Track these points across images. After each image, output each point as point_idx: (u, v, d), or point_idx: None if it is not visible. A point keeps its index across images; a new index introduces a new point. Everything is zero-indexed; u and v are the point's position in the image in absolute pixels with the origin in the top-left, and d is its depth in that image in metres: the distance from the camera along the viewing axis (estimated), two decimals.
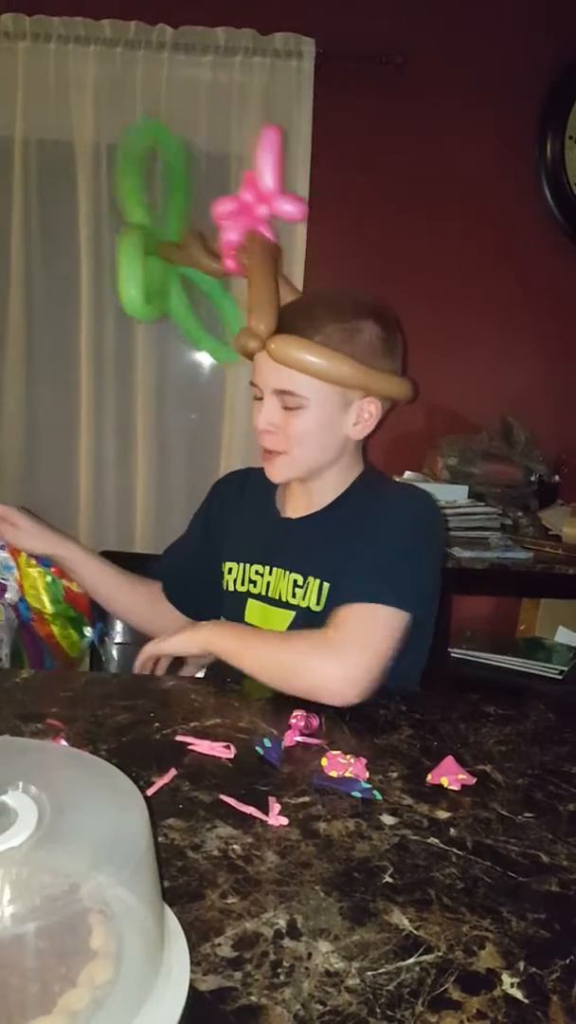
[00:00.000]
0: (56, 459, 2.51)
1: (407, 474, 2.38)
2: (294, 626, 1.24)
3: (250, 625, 1.29)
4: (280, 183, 1.23)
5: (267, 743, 0.94)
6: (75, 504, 2.49)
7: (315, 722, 1.01)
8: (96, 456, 2.46)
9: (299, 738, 0.98)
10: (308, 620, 1.22)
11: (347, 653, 1.07)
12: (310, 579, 1.24)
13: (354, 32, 2.32)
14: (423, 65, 2.37)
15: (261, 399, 1.22)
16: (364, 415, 1.22)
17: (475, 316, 2.54)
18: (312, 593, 1.23)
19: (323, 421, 1.20)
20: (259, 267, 1.20)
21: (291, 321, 1.16)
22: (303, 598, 1.24)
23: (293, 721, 1.00)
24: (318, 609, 1.22)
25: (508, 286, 2.53)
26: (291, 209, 1.24)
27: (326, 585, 1.22)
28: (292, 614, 1.25)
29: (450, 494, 2.20)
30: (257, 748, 0.94)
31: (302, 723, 1.00)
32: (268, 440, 1.22)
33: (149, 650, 1.21)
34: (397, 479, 2.30)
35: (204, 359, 2.57)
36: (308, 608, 1.23)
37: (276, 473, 1.26)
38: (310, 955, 0.63)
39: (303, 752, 0.96)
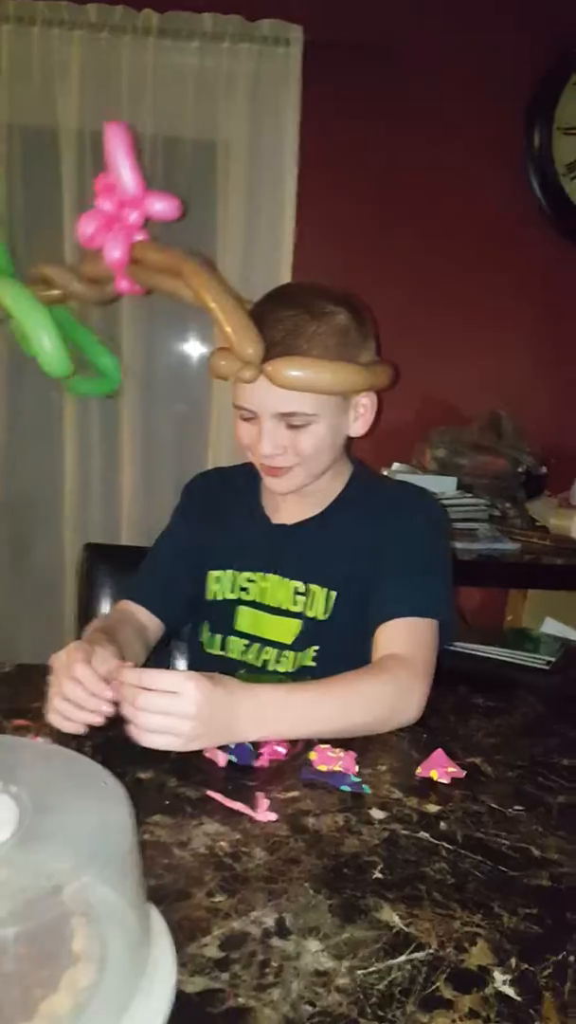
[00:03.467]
0: (40, 451, 2.48)
1: (395, 466, 2.37)
2: (303, 636, 1.21)
3: (247, 666, 1.24)
4: (143, 181, 1.12)
5: (232, 745, 0.92)
6: (60, 497, 2.46)
7: (299, 746, 0.96)
8: (81, 448, 2.43)
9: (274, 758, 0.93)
10: (315, 630, 1.21)
11: (425, 675, 1.07)
12: (313, 587, 1.22)
13: (342, 19, 2.29)
14: (411, 54, 2.34)
15: (251, 420, 1.16)
16: (360, 410, 1.20)
17: (463, 307, 2.52)
18: (319, 602, 1.21)
19: (332, 429, 1.16)
20: (211, 286, 1.09)
21: (276, 338, 1.09)
22: (308, 607, 1.21)
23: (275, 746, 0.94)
24: (324, 619, 1.20)
25: (497, 277, 2.51)
26: (164, 208, 1.15)
27: (333, 594, 1.20)
28: (298, 622, 1.22)
29: (439, 486, 2.18)
30: (231, 756, 0.91)
31: (282, 748, 0.94)
32: (277, 460, 1.16)
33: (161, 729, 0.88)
34: (386, 472, 2.30)
35: (191, 349, 2.54)
36: (314, 618, 1.21)
37: (285, 486, 1.20)
38: (299, 954, 0.62)
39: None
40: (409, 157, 2.43)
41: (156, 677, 0.88)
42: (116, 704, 0.92)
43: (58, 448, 2.44)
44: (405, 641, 1.10)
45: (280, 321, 1.10)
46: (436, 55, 2.37)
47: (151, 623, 1.30)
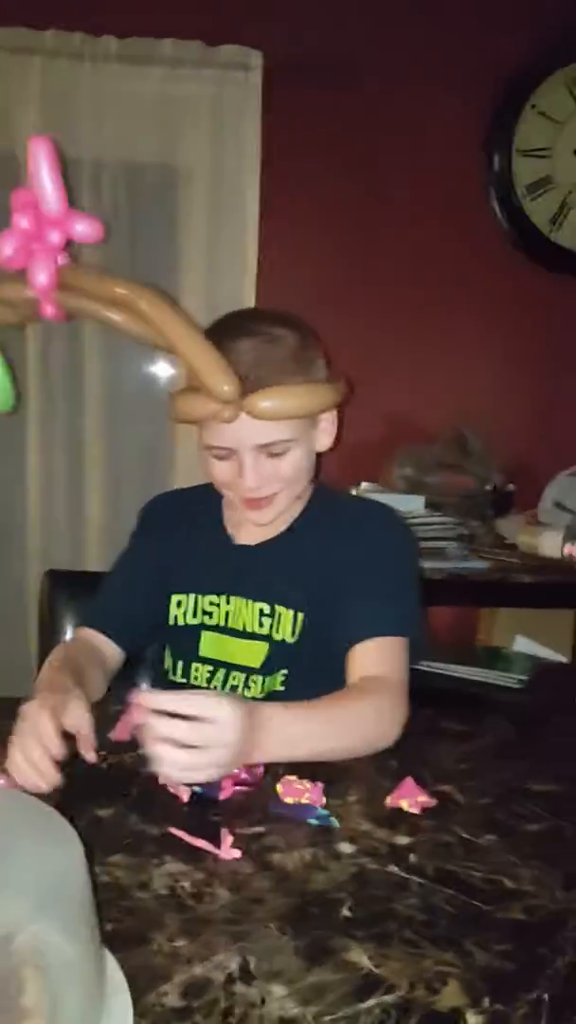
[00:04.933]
0: (4, 476, 2.44)
1: (364, 485, 2.36)
2: (271, 659, 1.19)
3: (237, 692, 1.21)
4: (65, 200, 1.05)
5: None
6: (24, 522, 2.42)
7: (260, 771, 0.93)
8: (45, 472, 2.39)
9: (237, 786, 0.91)
10: (284, 652, 1.19)
11: (403, 696, 1.06)
12: (279, 608, 1.20)
13: (302, 45, 2.30)
14: (371, 79, 2.36)
15: (226, 457, 1.14)
16: (324, 425, 1.20)
17: (429, 327, 2.53)
18: (286, 624, 1.19)
19: (307, 450, 1.17)
20: (176, 322, 1.04)
21: (242, 372, 1.05)
22: (275, 628, 1.19)
23: (235, 771, 0.90)
24: (292, 641, 1.18)
25: (460, 297, 2.52)
26: (86, 229, 1.08)
27: (300, 615, 1.19)
28: (265, 645, 1.20)
29: (406, 504, 2.18)
30: (195, 789, 0.88)
31: (244, 774, 0.91)
32: (263, 490, 1.15)
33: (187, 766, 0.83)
34: (354, 492, 2.29)
35: (156, 372, 2.52)
36: (283, 640, 1.19)
37: (270, 515, 1.19)
38: (263, 1000, 0.59)
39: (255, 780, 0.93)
40: (371, 180, 2.44)
41: (188, 702, 0.83)
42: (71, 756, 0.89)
43: (22, 473, 2.41)
44: (380, 662, 1.09)
45: (241, 354, 1.08)
46: (397, 79, 2.39)
47: (110, 652, 1.26)
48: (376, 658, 1.10)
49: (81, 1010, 0.54)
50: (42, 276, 1.05)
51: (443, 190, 2.47)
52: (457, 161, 2.46)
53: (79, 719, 0.95)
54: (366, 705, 1.02)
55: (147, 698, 0.84)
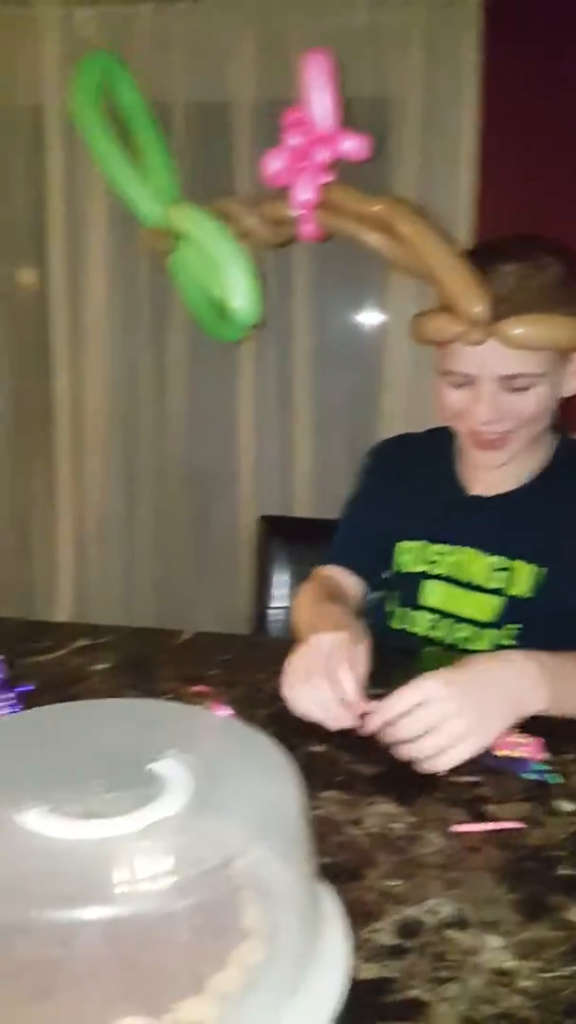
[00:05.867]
0: (218, 425, 2.53)
1: None
2: (506, 615, 1.14)
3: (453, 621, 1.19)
4: (339, 117, 1.01)
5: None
6: (235, 468, 2.51)
7: None
8: (256, 419, 2.46)
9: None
10: (517, 607, 1.14)
11: None
12: (517, 563, 1.14)
13: None
14: None
15: (464, 385, 1.08)
16: (574, 367, 1.11)
17: None
18: (523, 579, 1.14)
19: (553, 390, 1.09)
20: (429, 237, 0.98)
21: (502, 294, 0.99)
22: (510, 583, 1.14)
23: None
24: (529, 596, 1.13)
25: None
26: (354, 146, 1.03)
27: (542, 571, 1.13)
28: (499, 600, 1.15)
29: None
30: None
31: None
32: (495, 426, 1.08)
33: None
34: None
35: (364, 320, 2.50)
36: (517, 596, 1.14)
37: (503, 457, 1.12)
38: (478, 949, 0.58)
39: None
40: None
41: (397, 701, 0.81)
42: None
43: (234, 420, 2.48)
44: None
45: (503, 276, 1.02)
46: None
47: (355, 588, 1.26)
48: None
49: (298, 935, 0.56)
50: (306, 193, 1.03)
51: None
52: None
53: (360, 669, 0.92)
54: None
55: (372, 720, 0.83)
